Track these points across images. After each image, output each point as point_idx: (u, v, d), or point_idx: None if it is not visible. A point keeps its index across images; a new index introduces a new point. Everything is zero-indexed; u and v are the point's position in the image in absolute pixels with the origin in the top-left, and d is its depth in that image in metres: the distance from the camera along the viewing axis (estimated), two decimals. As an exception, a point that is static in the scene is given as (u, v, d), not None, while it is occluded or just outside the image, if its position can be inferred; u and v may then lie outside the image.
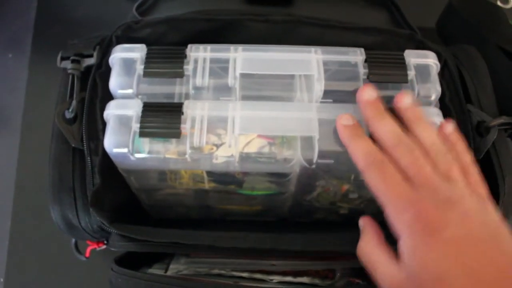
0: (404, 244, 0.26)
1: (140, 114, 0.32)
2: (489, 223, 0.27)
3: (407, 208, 0.26)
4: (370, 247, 0.30)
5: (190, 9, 0.41)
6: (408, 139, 0.29)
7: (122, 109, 0.32)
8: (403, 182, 0.28)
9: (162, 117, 0.32)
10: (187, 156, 0.32)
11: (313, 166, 0.32)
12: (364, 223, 0.32)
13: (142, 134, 0.31)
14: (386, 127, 0.30)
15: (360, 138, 0.30)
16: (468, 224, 0.26)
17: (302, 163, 0.32)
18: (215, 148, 0.32)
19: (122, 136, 0.32)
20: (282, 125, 0.32)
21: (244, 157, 0.32)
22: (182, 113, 0.32)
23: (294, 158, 0.32)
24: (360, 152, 0.30)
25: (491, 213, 0.27)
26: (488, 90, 0.39)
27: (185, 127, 0.31)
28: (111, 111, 0.33)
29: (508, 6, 0.59)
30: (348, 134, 0.31)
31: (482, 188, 0.29)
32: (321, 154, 0.32)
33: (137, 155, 0.32)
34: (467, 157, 0.31)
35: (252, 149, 0.32)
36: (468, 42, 0.44)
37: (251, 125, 0.32)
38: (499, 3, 0.59)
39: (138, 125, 0.31)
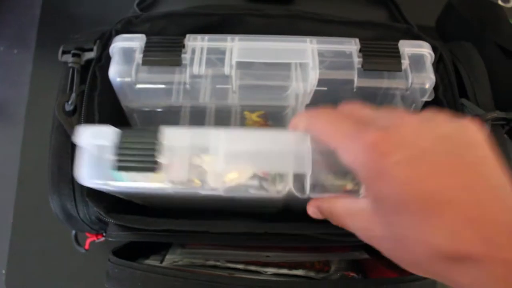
0: (361, 178, 0.26)
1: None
2: (449, 136, 0.24)
3: (354, 142, 0.25)
4: (329, 203, 0.29)
5: (190, 5, 0.41)
6: None
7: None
8: (347, 120, 0.27)
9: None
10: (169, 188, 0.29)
11: (306, 197, 0.30)
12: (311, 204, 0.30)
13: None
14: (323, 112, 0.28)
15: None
16: (418, 144, 0.24)
17: (294, 194, 0.30)
18: (198, 182, 0.29)
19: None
20: (274, 160, 0.29)
21: (231, 190, 0.29)
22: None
23: (286, 188, 0.29)
24: (302, 116, 0.29)
25: (451, 127, 0.24)
26: (484, 86, 0.39)
27: (165, 163, 0.28)
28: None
29: (509, 5, 0.59)
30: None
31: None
32: (314, 188, 0.29)
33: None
34: None
35: (239, 180, 0.29)
36: (467, 40, 0.44)
37: (238, 160, 0.28)
38: (499, 2, 0.58)
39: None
